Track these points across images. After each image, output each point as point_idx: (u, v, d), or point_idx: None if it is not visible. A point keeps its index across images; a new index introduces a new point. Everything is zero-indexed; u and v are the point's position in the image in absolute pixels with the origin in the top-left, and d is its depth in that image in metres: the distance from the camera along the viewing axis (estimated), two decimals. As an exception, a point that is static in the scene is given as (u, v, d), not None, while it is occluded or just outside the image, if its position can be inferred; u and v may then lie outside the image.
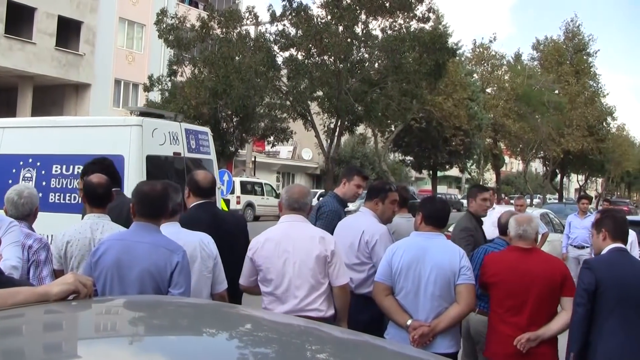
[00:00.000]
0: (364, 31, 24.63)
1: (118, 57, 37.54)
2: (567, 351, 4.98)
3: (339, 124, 25.16)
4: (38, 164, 9.68)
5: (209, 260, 4.81)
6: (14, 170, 9.71)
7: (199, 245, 4.78)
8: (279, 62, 24.96)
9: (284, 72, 25.11)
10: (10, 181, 9.23)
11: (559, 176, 63.03)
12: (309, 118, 25.73)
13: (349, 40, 23.84)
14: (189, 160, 10.51)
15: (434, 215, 5.28)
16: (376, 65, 25.85)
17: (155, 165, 9.66)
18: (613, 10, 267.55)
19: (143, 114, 10.28)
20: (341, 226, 6.02)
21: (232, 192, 26.95)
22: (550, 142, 46.14)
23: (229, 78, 22.17)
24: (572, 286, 5.13)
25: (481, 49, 45.66)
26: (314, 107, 26.58)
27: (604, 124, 56.54)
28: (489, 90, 45.45)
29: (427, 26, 25.38)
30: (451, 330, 5.18)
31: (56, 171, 9.59)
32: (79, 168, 9.03)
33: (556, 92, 47.97)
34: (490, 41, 46.07)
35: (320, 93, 25.31)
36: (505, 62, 48.07)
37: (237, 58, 23.14)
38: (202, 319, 2.95)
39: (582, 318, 4.93)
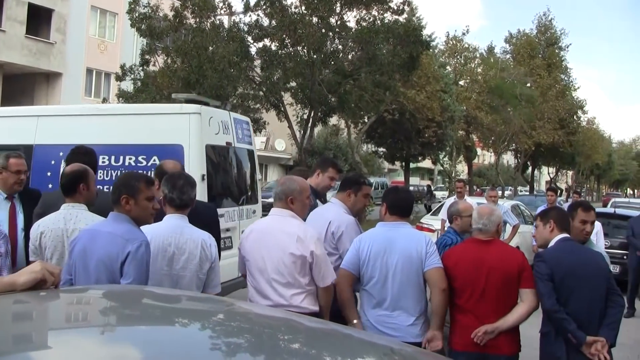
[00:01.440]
0: (339, 22, 24.59)
1: (90, 46, 37.25)
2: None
3: (312, 115, 25.13)
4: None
5: (206, 263, 4.79)
6: (52, 162, 9.08)
7: (200, 245, 4.77)
8: (253, 53, 24.87)
9: (257, 62, 25.02)
10: (49, 173, 8.95)
11: (530, 168, 63.53)
12: (282, 109, 25.68)
13: (323, 31, 23.80)
14: (238, 151, 10.18)
15: (398, 204, 5.37)
16: (350, 56, 25.85)
17: (213, 155, 9.25)
18: (583, 4, 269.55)
19: (188, 101, 9.73)
20: (310, 217, 6.04)
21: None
22: (522, 134, 46.49)
23: (202, 68, 22.03)
24: (531, 277, 5.21)
25: (454, 42, 45.79)
26: (287, 97, 26.52)
27: (575, 117, 57.16)
28: (461, 82, 45.61)
29: (402, 18, 25.40)
30: (420, 319, 5.25)
31: (103, 162, 8.93)
32: (130, 159, 8.92)
33: (528, 85, 48.32)
34: (464, 34, 46.42)
35: (293, 84, 25.26)
36: (478, 55, 48.27)
37: (210, 48, 22.99)
38: (169, 309, 2.95)
39: (556, 302, 5.06)
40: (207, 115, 9.19)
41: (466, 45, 46.46)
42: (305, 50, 23.89)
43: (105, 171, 8.97)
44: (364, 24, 24.36)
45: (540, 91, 48.32)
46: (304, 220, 5.62)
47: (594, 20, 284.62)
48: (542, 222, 5.58)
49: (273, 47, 24.22)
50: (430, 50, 32.24)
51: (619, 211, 17.05)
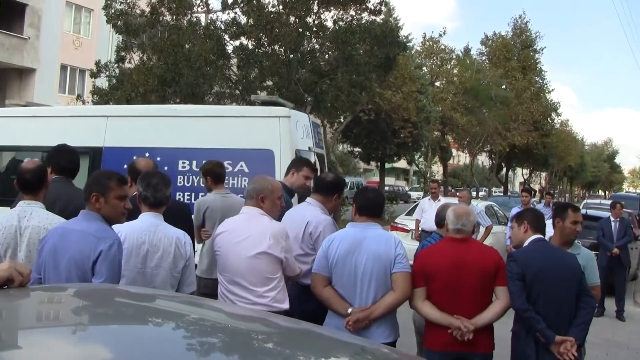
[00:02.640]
0: (316, 22, 24.59)
1: (64, 42, 36.89)
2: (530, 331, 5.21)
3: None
4: (158, 158, 8.30)
5: (180, 261, 4.77)
6: (125, 166, 8.15)
7: (175, 242, 4.74)
8: (229, 51, 24.79)
9: (233, 61, 24.95)
10: None
11: (504, 170, 63.90)
12: (259, 108, 25.60)
13: (300, 30, 23.78)
14: (317, 156, 9.73)
15: (367, 205, 5.39)
16: (327, 56, 25.85)
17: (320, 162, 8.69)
18: (558, 8, 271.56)
19: (265, 103, 9.27)
20: (287, 217, 6.04)
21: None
22: (497, 136, 46.76)
23: (178, 66, 21.91)
24: (506, 275, 5.28)
25: (431, 43, 45.95)
26: (263, 96, 26.44)
27: (549, 119, 57.70)
28: (437, 83, 45.79)
29: (379, 19, 25.44)
30: (388, 319, 5.27)
31: (183, 167, 8.59)
32: None
33: (503, 87, 48.68)
34: (440, 35, 46.38)
35: (270, 83, 25.19)
36: (454, 56, 48.48)
37: (187, 46, 22.87)
38: (142, 309, 2.94)
39: (526, 302, 5.13)
40: (295, 118, 8.84)
41: (442, 47, 46.66)
42: (282, 49, 23.86)
43: (185, 177, 8.58)
44: (341, 24, 24.38)
45: (515, 93, 48.65)
46: (279, 219, 5.64)
47: (567, 24, 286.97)
48: (517, 223, 5.70)
49: (250, 46, 24.15)
50: (407, 51, 32.34)
51: (590, 212, 17.22)
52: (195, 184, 8.49)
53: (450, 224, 5.44)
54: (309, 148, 9.28)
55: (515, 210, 13.55)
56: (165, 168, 8.28)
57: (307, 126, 9.29)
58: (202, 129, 8.78)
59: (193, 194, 8.42)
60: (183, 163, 8.58)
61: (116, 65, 24.69)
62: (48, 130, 9.00)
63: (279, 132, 8.42)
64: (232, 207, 6.76)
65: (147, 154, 8.24)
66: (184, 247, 4.81)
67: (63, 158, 5.68)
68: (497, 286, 5.23)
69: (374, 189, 5.81)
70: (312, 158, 9.11)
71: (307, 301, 5.56)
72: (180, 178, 8.49)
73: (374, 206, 5.44)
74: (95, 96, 23.87)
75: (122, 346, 2.22)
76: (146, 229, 4.75)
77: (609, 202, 18.29)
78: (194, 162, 8.51)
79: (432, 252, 5.48)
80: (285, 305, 5.19)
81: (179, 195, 8.53)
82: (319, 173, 9.96)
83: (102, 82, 25.12)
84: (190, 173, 8.54)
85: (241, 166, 8.36)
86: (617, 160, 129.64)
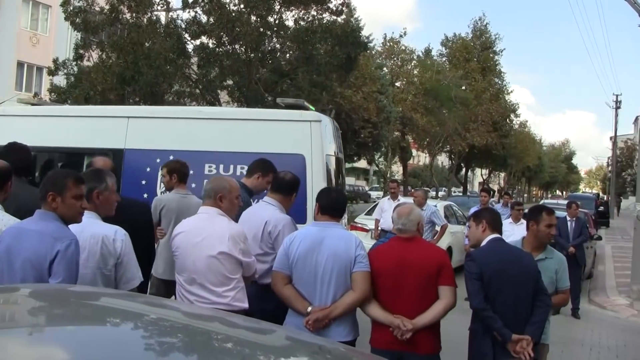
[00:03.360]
0: (277, 21, 24.56)
1: (21, 39, 36.38)
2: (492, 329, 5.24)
3: (249, 113, 24.97)
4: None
5: (110, 258, 4.61)
6: (148, 169, 8.30)
7: (101, 240, 4.59)
8: (190, 50, 24.65)
9: (194, 60, 24.82)
10: (143, 182, 8.22)
11: (463, 170, 64.43)
12: (219, 106, 25.53)
13: (261, 29, 23.73)
14: (339, 160, 9.57)
15: (330, 205, 5.43)
16: (287, 56, 25.83)
17: (328, 166, 8.50)
18: (517, 11, 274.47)
19: (289, 106, 8.95)
20: (245, 216, 6.04)
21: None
22: (456, 136, 47.14)
23: (138, 64, 21.72)
24: (450, 275, 5.30)
25: (391, 43, 46.13)
26: (223, 96, 26.36)
27: (507, 120, 58.32)
28: (398, 84, 45.96)
29: (340, 19, 25.48)
30: (347, 318, 5.29)
31: (210, 171, 8.28)
32: (242, 169, 7.96)
33: (463, 88, 49.01)
34: (401, 36, 46.62)
35: (230, 82, 25.11)
36: (414, 57, 48.74)
37: (146, 44, 22.67)
38: (100, 309, 2.93)
39: (484, 302, 5.18)
40: (324, 122, 8.65)
41: (403, 47, 46.85)
42: (242, 49, 23.79)
43: None
44: (303, 23, 24.38)
45: (475, 94, 49.06)
46: (237, 218, 5.64)
47: (527, 27, 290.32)
48: (475, 223, 5.72)
49: (210, 45, 24.04)
50: (368, 51, 32.43)
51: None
52: None
53: (394, 223, 5.50)
54: (335, 152, 9.16)
55: (474, 210, 13.67)
56: (191, 172, 7.97)
57: (332, 130, 9.15)
58: (230, 132, 8.55)
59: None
60: (210, 167, 8.33)
61: (75, 63, 24.37)
62: (64, 130, 8.77)
63: (310, 136, 8.25)
64: (189, 208, 6.74)
65: (171, 157, 8.02)
66: (112, 245, 4.63)
67: (14, 157, 5.59)
68: (440, 285, 5.24)
69: (337, 189, 5.85)
70: (335, 162, 9.06)
71: (266, 301, 5.57)
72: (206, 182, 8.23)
73: (336, 206, 5.48)
74: (53, 94, 23.56)
75: (79, 347, 2.20)
76: (73, 231, 4.64)
77: (566, 202, 18.55)
78: (221, 166, 8.30)
79: (379, 252, 5.50)
80: (245, 305, 5.20)
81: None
82: (343, 180, 9.97)
83: (60, 80, 24.81)
84: None
85: None
86: (574, 161, 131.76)
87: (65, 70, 24.25)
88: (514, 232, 11.33)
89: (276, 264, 5.39)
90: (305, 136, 8.23)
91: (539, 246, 5.98)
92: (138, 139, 8.53)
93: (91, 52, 24.22)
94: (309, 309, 5.17)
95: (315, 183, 7.84)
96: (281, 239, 5.74)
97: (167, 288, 6.90)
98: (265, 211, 6.07)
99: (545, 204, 24.76)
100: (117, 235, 4.67)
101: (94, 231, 4.59)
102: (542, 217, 6.00)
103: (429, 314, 5.19)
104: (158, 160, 8.18)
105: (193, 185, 7.92)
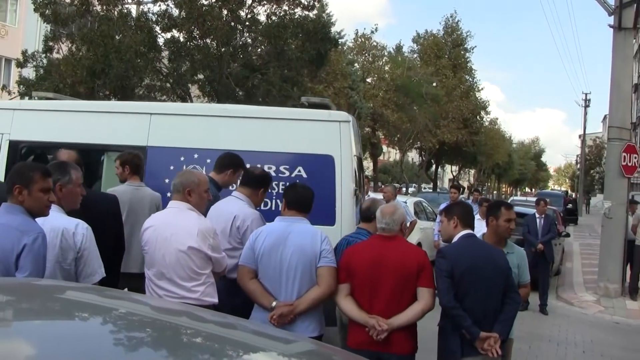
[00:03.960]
0: (249, 16, 24.50)
1: (-11, 30, 35.91)
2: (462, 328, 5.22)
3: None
4: (208, 161, 7.80)
5: (69, 252, 4.55)
6: (171, 168, 7.91)
7: (61, 233, 4.53)
8: (160, 43, 24.51)
9: (165, 53, 24.69)
10: (167, 180, 7.69)
11: (434, 166, 64.77)
12: (189, 101, 25.41)
13: (232, 24, 23.66)
14: (360, 161, 9.31)
15: (296, 200, 5.44)
16: (259, 51, 25.79)
17: (356, 167, 8.33)
18: (489, 9, 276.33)
19: (314, 105, 8.66)
20: (214, 211, 6.02)
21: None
22: (427, 133, 47.39)
23: (108, 57, 21.56)
24: (429, 276, 5.28)
25: (363, 39, 46.21)
26: (194, 90, 26.25)
27: (478, 117, 58.69)
28: (369, 80, 46.07)
29: (312, 14, 25.48)
30: (313, 313, 5.30)
31: None
32: (269, 168, 7.81)
33: (434, 84, 49.26)
34: (372, 32, 46.78)
35: (201, 76, 25.01)
36: (386, 53, 48.85)
37: (117, 37, 22.52)
38: (68, 303, 2.90)
39: (453, 300, 5.18)
40: (353, 122, 8.48)
41: (374, 44, 46.96)
42: (214, 43, 23.71)
43: (239, 180, 8.02)
44: (274, 18, 24.34)
45: (446, 91, 49.34)
46: (205, 213, 5.62)
47: (498, 25, 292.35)
48: (446, 218, 5.69)
49: (181, 39, 23.92)
50: (339, 47, 32.48)
51: (516, 209, 17.58)
52: None
53: (377, 222, 5.48)
54: (359, 153, 9.05)
55: (443, 206, 13.73)
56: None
57: (356, 129, 8.96)
58: (256, 131, 8.32)
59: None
60: None
61: (44, 55, 24.12)
62: (84, 126, 8.51)
63: (339, 137, 8.02)
64: (142, 200, 6.69)
65: (195, 155, 7.88)
66: (72, 238, 4.57)
67: None
68: (419, 287, 5.21)
69: (303, 185, 5.83)
70: (358, 163, 8.88)
71: (236, 296, 5.56)
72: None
73: (303, 201, 5.48)
74: (21, 87, 23.31)
75: (46, 342, 2.18)
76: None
77: (535, 199, 18.73)
78: (248, 166, 7.78)
79: (357, 249, 5.49)
80: (215, 300, 5.19)
81: None
82: (362, 180, 9.74)
83: (29, 73, 24.55)
84: None
85: (299, 171, 7.97)
86: (544, 158, 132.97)
87: (35, 63, 23.99)
88: (482, 228, 11.40)
89: (242, 258, 5.39)
90: (335, 137, 8.03)
91: (499, 241, 6.00)
92: (161, 137, 8.28)
93: (61, 45, 24.00)
94: (274, 303, 5.18)
95: (344, 185, 7.69)
96: (249, 234, 5.74)
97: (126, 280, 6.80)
98: (234, 206, 6.06)
99: (514, 201, 24.88)
100: (78, 229, 4.61)
101: (54, 224, 4.50)
102: (501, 212, 6.04)
103: (405, 315, 5.17)
104: (182, 159, 7.99)
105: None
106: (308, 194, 5.57)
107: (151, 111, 8.65)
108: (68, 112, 8.80)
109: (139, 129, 8.33)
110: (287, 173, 7.98)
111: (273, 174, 7.79)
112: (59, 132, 8.47)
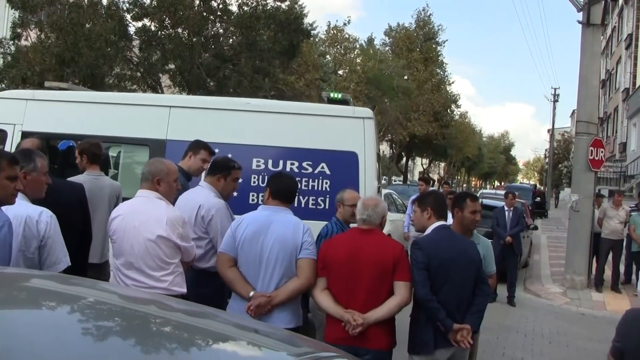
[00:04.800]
0: (220, 6, 24.38)
1: (-45, 16, 35.28)
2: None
3: (190, 98, 24.82)
4: (229, 156, 7.39)
5: (32, 241, 4.49)
6: None
7: (24, 221, 4.46)
8: (131, 32, 24.32)
9: (135, 42, 24.50)
10: None
11: (404, 159, 64.96)
12: (160, 91, 25.26)
13: (204, 13, 23.54)
14: (379, 157, 9.19)
15: (280, 190, 5.40)
16: (230, 41, 25.69)
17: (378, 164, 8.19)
18: (460, 2, 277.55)
19: (331, 101, 8.58)
20: (181, 200, 6.00)
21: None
22: (398, 125, 47.51)
23: (78, 45, 21.34)
24: (406, 270, 5.25)
25: (335, 31, 46.18)
26: (165, 80, 26.12)
27: (448, 111, 59.00)
28: (340, 72, 46.02)
29: (284, 5, 25.43)
30: (291, 305, 5.27)
31: (258, 166, 7.95)
32: (292, 164, 7.85)
33: (405, 77, 49.32)
34: (345, 24, 46.90)
35: (172, 66, 24.89)
36: (357, 46, 48.87)
37: (87, 25, 22.28)
38: (34, 291, 2.88)
39: (430, 292, 5.20)
40: (375, 119, 8.34)
41: (346, 36, 46.93)
42: (185, 33, 23.59)
43: (260, 176, 7.89)
44: (246, 9, 24.26)
45: (417, 84, 49.43)
46: (174, 203, 5.58)
47: (469, 19, 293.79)
48: (420, 209, 5.66)
49: (152, 28, 23.76)
50: (311, 38, 32.44)
51: (485, 202, 17.80)
52: None
53: (357, 214, 5.44)
54: (378, 149, 9.00)
55: (413, 198, 13.78)
56: None
57: (376, 125, 8.89)
58: (278, 126, 8.20)
59: None
60: (258, 161, 8.00)
61: (12, 42, 23.79)
62: (100, 118, 8.38)
63: (363, 133, 7.99)
64: (101, 190, 6.63)
65: (216, 150, 7.64)
66: (36, 226, 4.51)
67: None
68: (395, 281, 5.19)
69: (288, 175, 5.79)
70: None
71: (203, 286, 5.56)
72: (255, 177, 7.89)
73: (287, 191, 5.45)
74: (-12, 74, 23.00)
75: (13, 331, 2.16)
76: None
77: (503, 192, 18.91)
78: (270, 161, 7.99)
79: (334, 242, 5.45)
80: (183, 290, 5.16)
81: (253, 195, 7.95)
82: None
83: (-4, 60, 24.22)
84: (265, 172, 7.88)
85: (322, 167, 7.90)
86: (513, 152, 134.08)
87: (2, 50, 23.67)
88: (449, 219, 11.50)
89: (223, 246, 5.36)
90: (359, 133, 7.98)
91: (464, 233, 6.02)
92: (181, 130, 8.14)
93: (29, 32, 23.68)
94: (252, 293, 5.15)
95: (367, 182, 7.64)
96: (214, 224, 5.75)
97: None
98: (200, 195, 6.04)
99: (483, 194, 25.12)
100: (42, 217, 4.55)
101: (17, 212, 4.42)
102: (467, 203, 6.06)
103: (381, 310, 5.14)
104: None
105: (240, 180, 7.57)
106: (293, 184, 5.55)
107: (170, 104, 8.48)
108: (84, 103, 8.66)
109: (158, 122, 8.21)
110: (310, 169, 7.92)
111: (295, 170, 7.83)
112: (74, 123, 8.35)
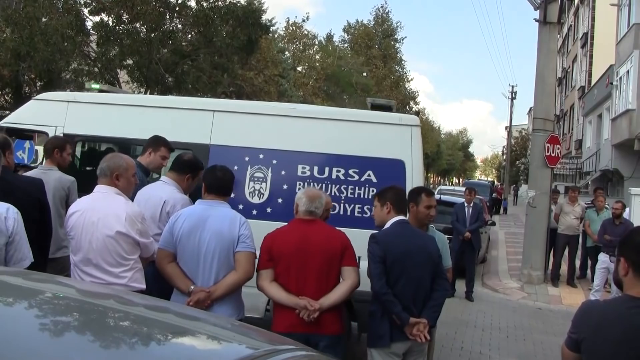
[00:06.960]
0: (178, 1, 24.24)
1: None
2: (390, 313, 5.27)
3: (148, 94, 24.66)
4: (274, 161, 7.71)
5: (1, 237, 4.44)
6: (235, 167, 7.36)
7: None
8: (89, 27, 24.05)
9: (93, 37, 24.24)
10: None
11: (363, 155, 65.16)
12: (118, 87, 25.03)
13: (161, 9, 23.39)
14: None
15: (215, 184, 5.40)
16: (189, 36, 25.57)
17: None
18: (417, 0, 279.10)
19: (375, 107, 8.33)
20: (142, 195, 5.95)
21: (35, 161, 25.65)
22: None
23: (34, 40, 21.05)
24: (352, 256, 5.38)
25: (294, 28, 46.23)
26: (123, 75, 25.90)
27: (407, 107, 59.27)
28: (299, 68, 46.16)
29: (242, 0, 25.37)
30: (231, 298, 5.30)
31: (303, 173, 7.69)
32: (338, 172, 7.64)
33: (364, 74, 49.59)
34: (303, 20, 46.98)
35: (130, 61, 24.69)
36: (316, 42, 48.98)
37: (43, 19, 22.00)
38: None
39: (385, 285, 5.23)
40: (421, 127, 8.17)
41: (305, 32, 47.04)
42: (143, 28, 23.41)
43: (306, 183, 7.63)
44: (205, 4, 24.14)
45: (376, 81, 49.81)
46: (132, 197, 5.54)
47: (427, 16, 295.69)
48: (379, 203, 5.70)
49: (110, 23, 23.53)
50: (269, 34, 32.42)
51: (444, 198, 17.96)
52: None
53: (303, 206, 5.48)
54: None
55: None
56: (283, 172, 7.70)
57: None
58: (324, 132, 7.99)
59: None
60: (303, 168, 7.75)
61: (-35, 36, 23.38)
62: (144, 121, 8.11)
63: (410, 141, 7.82)
64: (47, 183, 6.54)
65: (261, 156, 7.63)
66: (4, 222, 4.46)
67: None
68: (343, 266, 5.33)
69: (222, 168, 5.71)
70: None
71: (164, 281, 5.50)
72: (300, 184, 7.64)
73: (222, 185, 5.43)
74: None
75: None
76: None
77: (462, 188, 19.08)
78: (316, 168, 7.75)
79: (279, 234, 5.48)
80: (142, 286, 5.12)
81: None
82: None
83: (-51, 54, 23.78)
84: (310, 179, 7.67)
85: (369, 175, 7.72)
86: (471, 149, 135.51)
87: (-44, 44, 23.26)
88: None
89: (161, 242, 5.35)
90: (406, 141, 7.82)
91: (419, 227, 6.01)
92: (225, 135, 7.95)
93: (-17, 26, 23.31)
94: (192, 288, 5.16)
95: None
96: None
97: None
98: (163, 191, 6.01)
99: (441, 190, 25.25)
100: (9, 213, 4.51)
101: None
102: (422, 198, 6.05)
103: (334, 294, 5.26)
104: (247, 159, 7.70)
105: (285, 186, 7.56)
106: (227, 177, 5.52)
107: (214, 108, 8.28)
108: (126, 106, 8.47)
109: (202, 127, 8.03)
110: (357, 177, 7.76)
111: (342, 177, 7.69)
112: (115, 126, 8.17)
